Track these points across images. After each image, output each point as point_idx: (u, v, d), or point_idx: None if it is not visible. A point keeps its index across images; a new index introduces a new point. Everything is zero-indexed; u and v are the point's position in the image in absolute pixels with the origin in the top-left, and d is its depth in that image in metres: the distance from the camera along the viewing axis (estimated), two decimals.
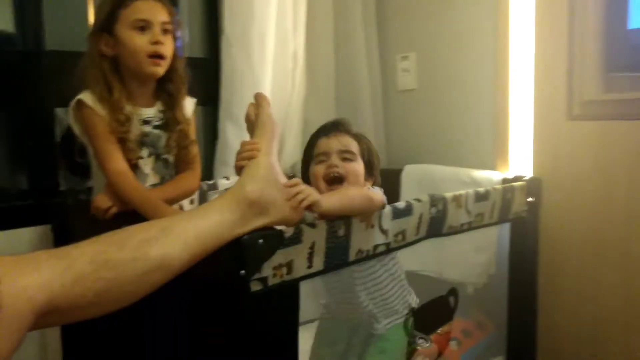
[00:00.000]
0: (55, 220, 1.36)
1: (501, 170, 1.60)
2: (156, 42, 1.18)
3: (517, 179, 1.46)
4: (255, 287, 0.84)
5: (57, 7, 1.52)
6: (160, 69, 1.21)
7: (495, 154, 1.63)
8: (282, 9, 1.70)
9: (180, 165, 1.30)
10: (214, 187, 1.53)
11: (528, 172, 1.53)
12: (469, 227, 1.27)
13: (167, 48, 1.20)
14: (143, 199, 1.17)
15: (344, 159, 1.15)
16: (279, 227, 0.88)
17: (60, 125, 1.49)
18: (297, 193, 0.87)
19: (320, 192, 0.98)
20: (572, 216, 1.47)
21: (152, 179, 1.24)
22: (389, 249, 1.09)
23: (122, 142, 1.18)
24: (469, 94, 1.72)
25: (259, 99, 0.96)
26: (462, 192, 1.24)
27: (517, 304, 1.47)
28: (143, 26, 1.18)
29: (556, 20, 1.47)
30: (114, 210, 1.17)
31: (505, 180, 1.49)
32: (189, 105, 1.31)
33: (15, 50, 1.49)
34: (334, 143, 1.16)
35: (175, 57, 1.24)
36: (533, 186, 1.44)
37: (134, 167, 1.21)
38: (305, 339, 1.14)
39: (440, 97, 1.80)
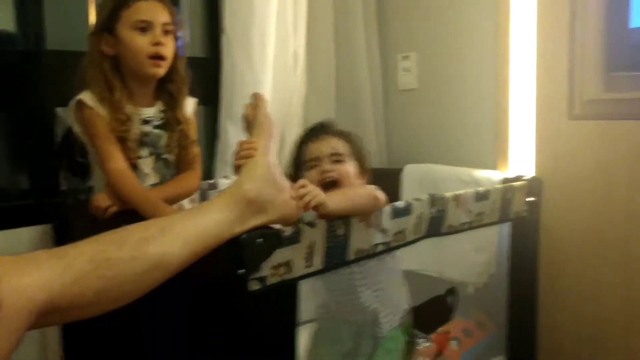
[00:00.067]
0: (55, 220, 1.36)
1: (502, 170, 1.60)
2: (157, 43, 1.18)
3: (517, 178, 1.46)
4: (254, 286, 0.84)
5: (58, 7, 1.53)
6: (161, 70, 1.21)
7: (495, 154, 1.63)
8: (283, 8, 1.70)
9: (181, 165, 1.30)
10: (214, 186, 1.54)
11: (529, 172, 1.52)
12: (470, 227, 1.26)
13: (168, 49, 1.20)
14: (143, 198, 1.17)
15: (335, 162, 1.15)
16: (277, 226, 0.88)
17: (60, 125, 1.49)
18: (305, 194, 0.87)
19: None
20: (572, 216, 1.46)
21: (152, 179, 1.24)
22: (389, 248, 1.08)
23: (122, 141, 1.18)
24: (469, 94, 1.71)
25: (256, 99, 0.97)
26: (462, 191, 1.24)
27: (517, 304, 1.47)
28: (144, 27, 1.18)
29: (557, 19, 1.47)
30: (113, 209, 1.17)
31: (505, 180, 1.48)
32: (190, 105, 1.31)
33: (16, 49, 1.49)
34: (324, 147, 1.16)
35: (176, 57, 1.24)
36: (533, 186, 1.44)
37: (134, 166, 1.21)
38: (305, 339, 1.14)
39: (441, 97, 1.79)
